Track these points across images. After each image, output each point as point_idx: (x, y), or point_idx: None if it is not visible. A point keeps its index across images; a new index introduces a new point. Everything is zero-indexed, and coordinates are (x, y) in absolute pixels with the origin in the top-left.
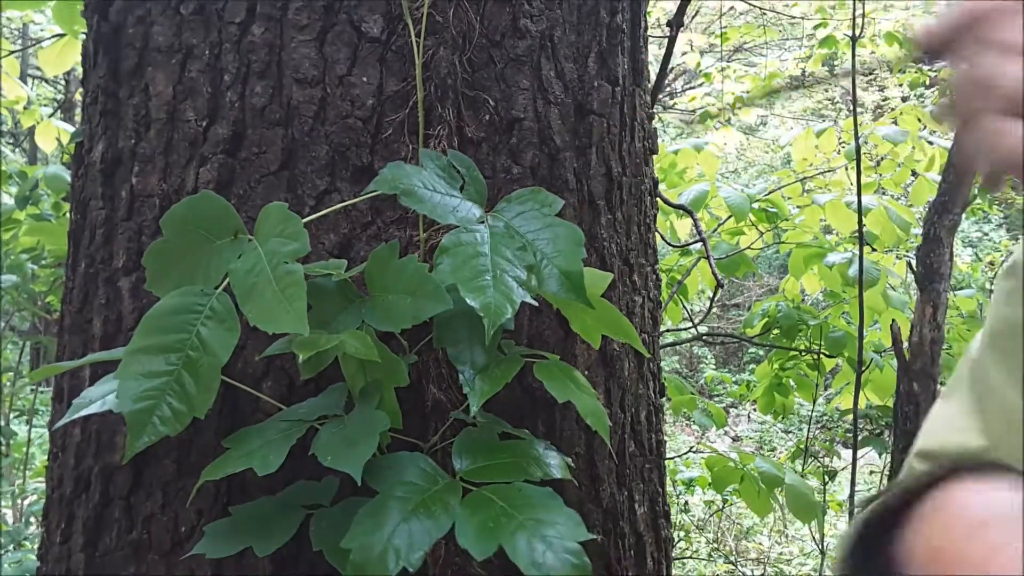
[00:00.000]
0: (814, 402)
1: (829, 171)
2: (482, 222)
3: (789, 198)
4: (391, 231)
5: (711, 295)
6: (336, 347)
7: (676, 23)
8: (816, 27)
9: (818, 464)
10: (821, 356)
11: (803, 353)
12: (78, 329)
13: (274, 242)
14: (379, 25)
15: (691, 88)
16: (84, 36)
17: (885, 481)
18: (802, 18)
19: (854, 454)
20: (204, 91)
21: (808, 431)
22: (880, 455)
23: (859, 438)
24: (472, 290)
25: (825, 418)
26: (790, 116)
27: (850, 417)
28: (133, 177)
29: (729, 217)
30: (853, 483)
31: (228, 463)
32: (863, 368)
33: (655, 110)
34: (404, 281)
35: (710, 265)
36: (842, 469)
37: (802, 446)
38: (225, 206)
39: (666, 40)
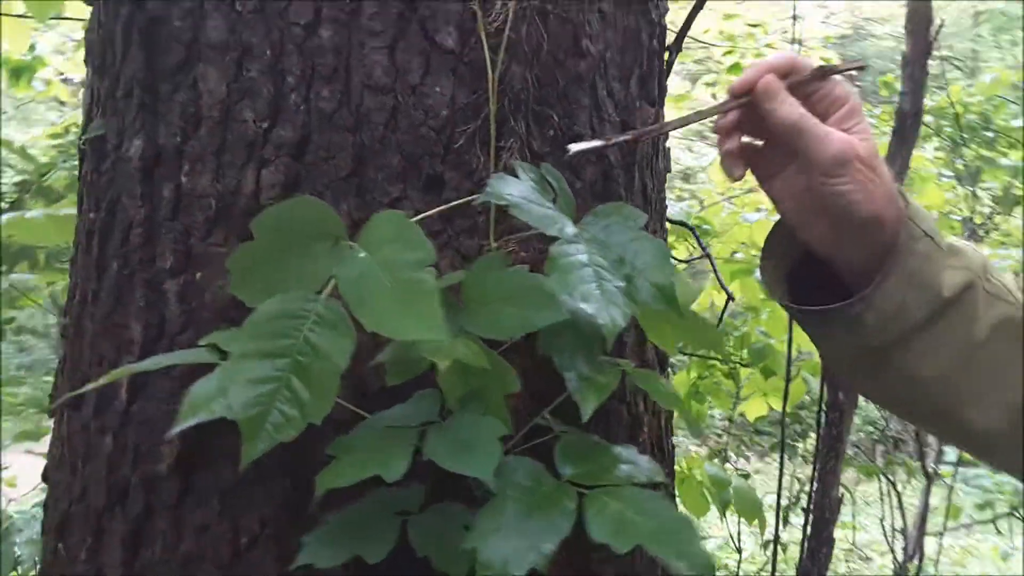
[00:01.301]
0: (733, 408)
1: (751, 191)
2: (577, 234)
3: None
4: (461, 239)
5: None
6: (464, 356)
7: (676, 48)
8: (725, 53)
9: (734, 468)
10: (738, 366)
11: (722, 362)
12: (109, 334)
13: (390, 249)
14: (453, 37)
15: None
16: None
17: (806, 486)
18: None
19: (781, 458)
20: (264, 92)
21: (727, 437)
22: (791, 458)
23: (770, 444)
24: (585, 300)
25: (734, 424)
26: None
27: (756, 424)
28: (182, 176)
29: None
30: (780, 484)
31: (346, 471)
32: (788, 377)
33: None
34: (511, 290)
35: (719, 280)
36: (755, 472)
37: (718, 451)
38: (326, 210)
39: None
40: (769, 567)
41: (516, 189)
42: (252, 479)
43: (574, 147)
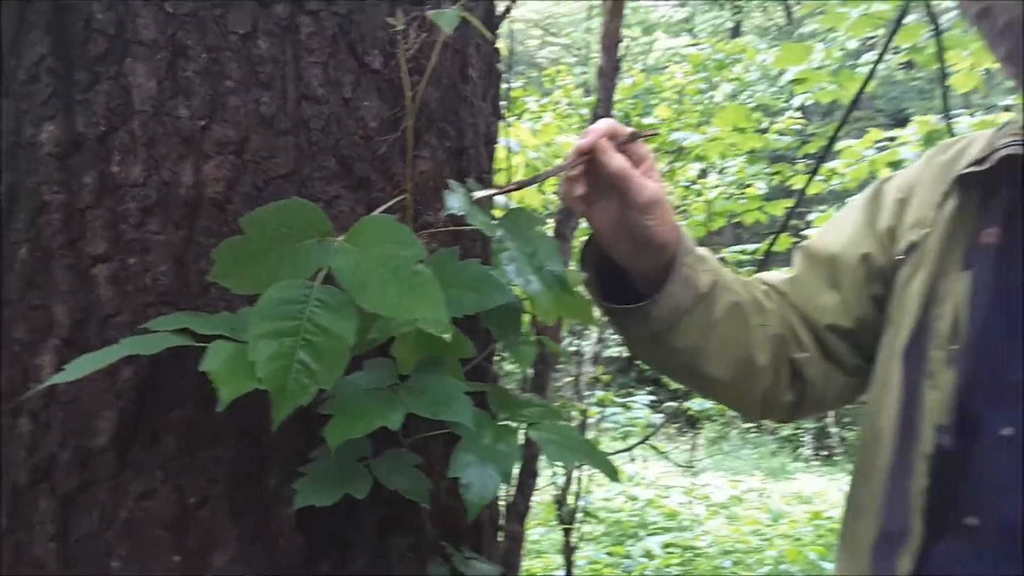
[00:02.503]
0: None
1: None
2: (504, 236)
3: None
4: None
5: None
6: (447, 328)
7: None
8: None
9: None
10: None
11: None
12: (23, 316)
13: (386, 246)
14: (379, 60)
15: None
16: None
17: None
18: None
19: None
20: (201, 92)
21: None
22: None
23: None
24: (523, 284)
25: None
26: None
27: None
28: (113, 165)
29: None
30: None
31: (355, 425)
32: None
33: None
34: (467, 278)
35: None
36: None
37: None
38: (315, 211)
39: None
40: None
41: (460, 201)
42: (196, 447)
43: (477, 194)
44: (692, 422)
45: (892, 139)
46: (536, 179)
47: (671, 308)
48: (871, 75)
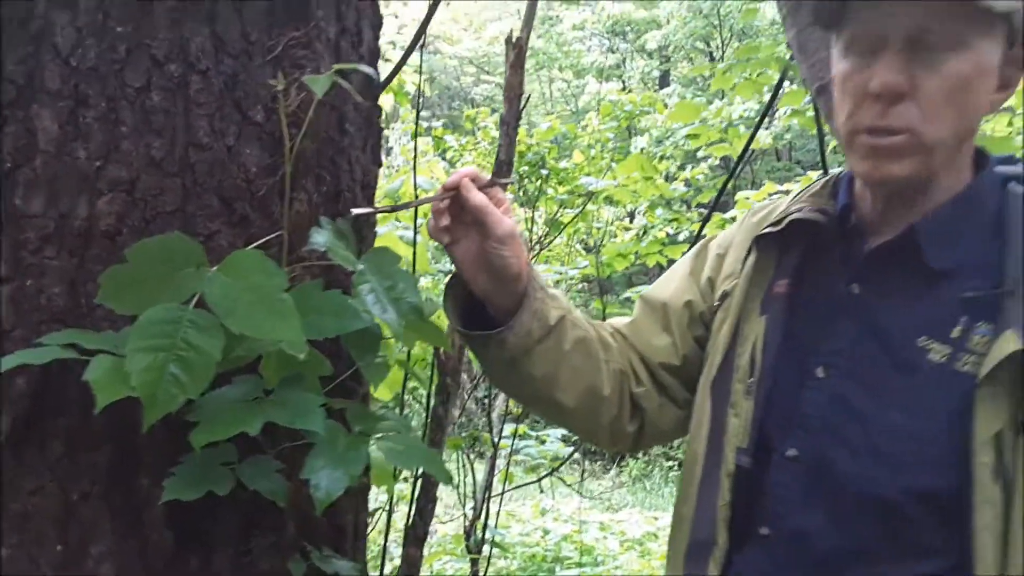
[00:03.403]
0: None
1: None
2: (364, 270)
3: None
4: None
5: None
6: (302, 348)
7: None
8: None
9: None
10: None
11: None
12: None
13: (254, 277)
14: (261, 114)
15: None
16: None
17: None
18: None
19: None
20: (98, 136)
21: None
22: None
23: None
24: (379, 313)
25: None
26: None
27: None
28: (16, 199)
29: None
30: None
31: (219, 429)
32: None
33: None
34: (329, 306)
35: None
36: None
37: None
38: (193, 245)
39: None
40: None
41: (326, 238)
42: (79, 451)
43: (355, 211)
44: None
45: (787, 192)
46: (408, 205)
47: (524, 335)
48: (753, 135)
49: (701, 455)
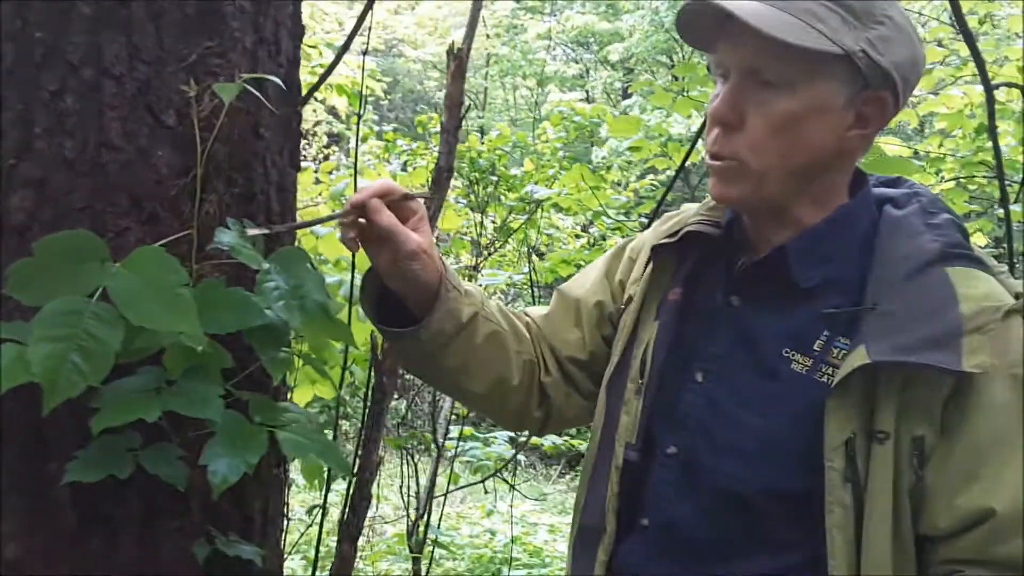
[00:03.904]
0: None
1: None
2: (270, 269)
3: None
4: None
5: None
6: (200, 340)
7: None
8: None
9: None
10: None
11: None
12: None
13: (156, 271)
14: (173, 118)
15: None
16: None
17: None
18: None
19: (335, 431)
20: (13, 136)
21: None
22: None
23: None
24: (282, 311)
25: None
26: None
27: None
28: None
29: None
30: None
31: (118, 415)
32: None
33: None
34: (230, 302)
35: None
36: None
37: None
38: (96, 240)
39: None
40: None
41: (231, 238)
42: None
43: (251, 231)
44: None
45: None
46: (313, 222)
47: (436, 333)
48: (691, 149)
49: (597, 448)
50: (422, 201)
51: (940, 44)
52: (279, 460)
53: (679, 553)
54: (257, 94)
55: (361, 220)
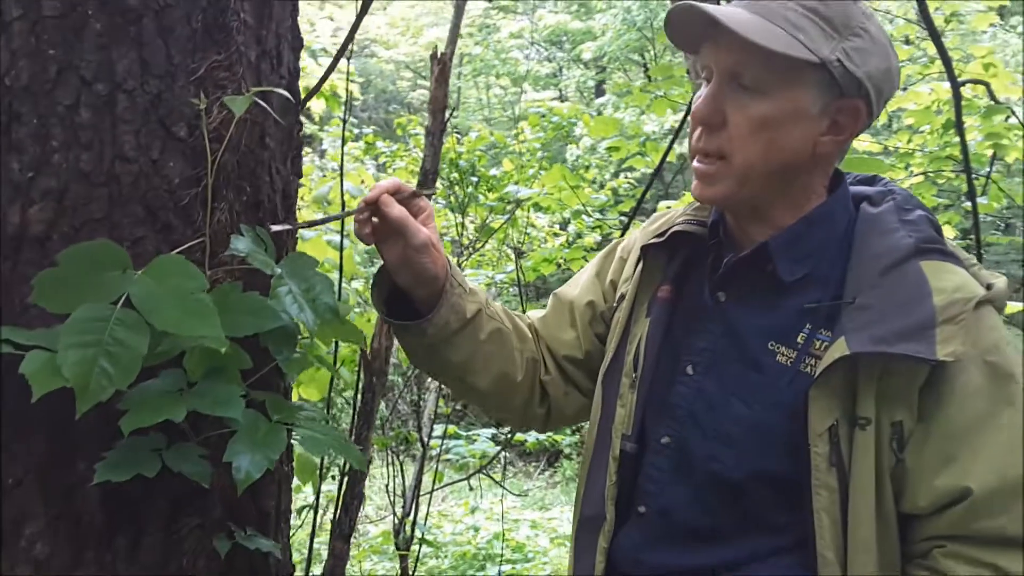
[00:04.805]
0: None
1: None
2: (282, 274)
3: None
4: None
5: None
6: (223, 343)
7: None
8: None
9: None
10: None
11: None
12: None
13: (175, 279)
14: (184, 130)
15: None
16: None
17: None
18: None
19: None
20: (31, 150)
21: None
22: None
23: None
24: (296, 312)
25: None
26: None
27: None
28: None
29: None
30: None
31: (146, 416)
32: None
33: None
34: (247, 306)
35: None
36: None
37: None
38: (119, 250)
39: None
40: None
41: (245, 244)
42: (12, 440)
43: (274, 228)
44: (551, 460)
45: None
46: (328, 219)
47: (441, 326)
48: (669, 148)
49: (595, 440)
50: (430, 199)
51: (908, 42)
52: (288, 457)
53: (675, 538)
54: (264, 105)
55: (374, 220)
